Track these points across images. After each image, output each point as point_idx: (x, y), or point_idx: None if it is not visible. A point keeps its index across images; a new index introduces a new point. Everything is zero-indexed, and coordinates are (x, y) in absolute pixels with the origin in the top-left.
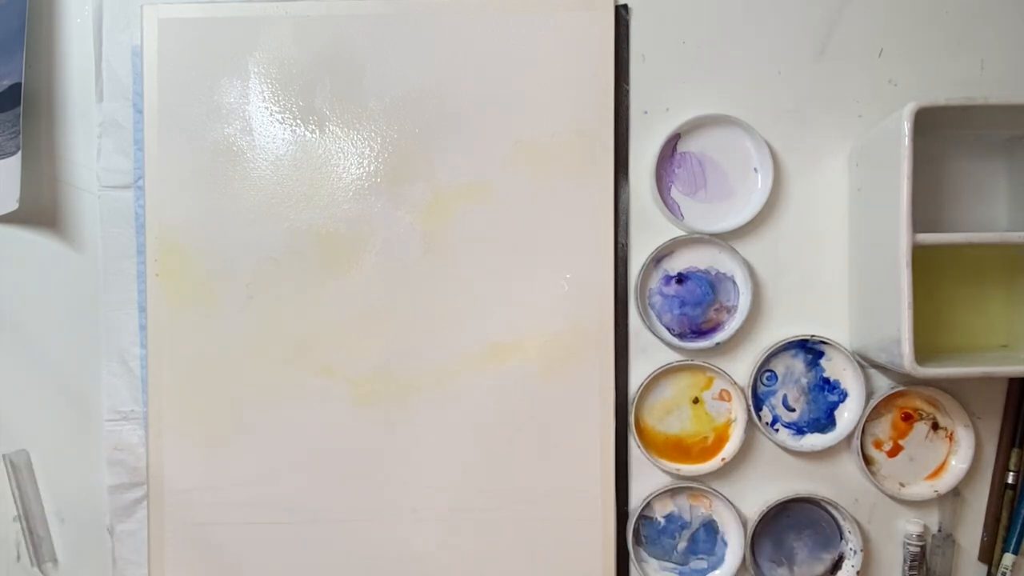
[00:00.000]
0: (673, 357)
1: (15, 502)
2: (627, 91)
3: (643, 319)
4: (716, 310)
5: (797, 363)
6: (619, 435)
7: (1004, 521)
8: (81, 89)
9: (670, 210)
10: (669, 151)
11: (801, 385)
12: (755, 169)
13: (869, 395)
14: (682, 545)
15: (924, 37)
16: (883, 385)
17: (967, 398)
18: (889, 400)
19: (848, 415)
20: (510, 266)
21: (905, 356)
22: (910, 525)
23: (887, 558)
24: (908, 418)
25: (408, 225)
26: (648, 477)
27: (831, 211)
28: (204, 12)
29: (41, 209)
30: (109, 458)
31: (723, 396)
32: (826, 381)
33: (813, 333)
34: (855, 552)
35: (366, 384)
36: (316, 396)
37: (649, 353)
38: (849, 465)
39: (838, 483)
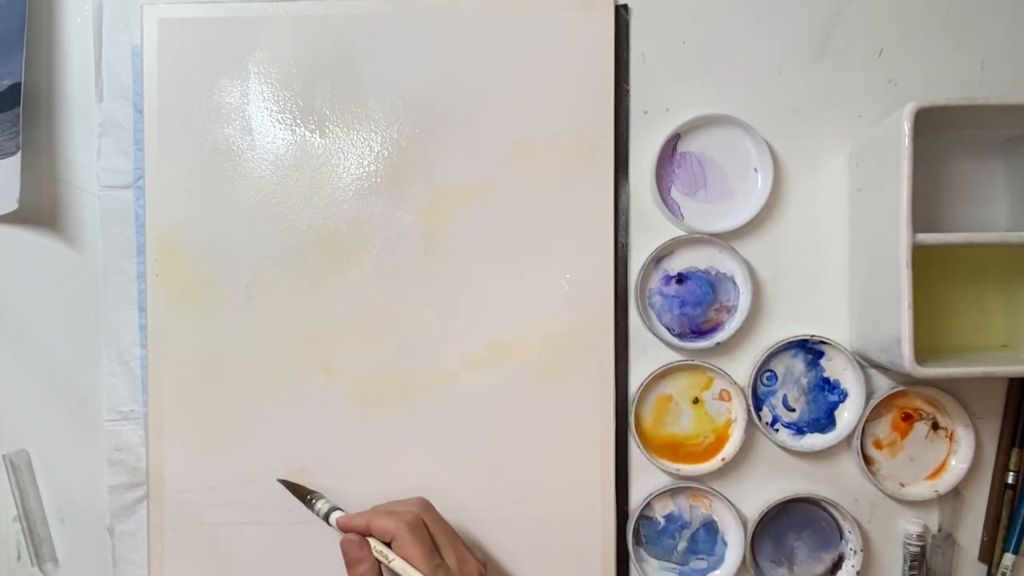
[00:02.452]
0: (673, 357)
1: (15, 502)
2: (627, 91)
3: (643, 319)
4: (716, 310)
5: (797, 363)
6: (619, 435)
7: (1004, 521)
8: (81, 89)
9: (670, 210)
10: (669, 151)
11: (801, 385)
12: (755, 169)
13: (869, 395)
14: (682, 545)
15: (924, 37)
16: (883, 385)
17: (967, 398)
18: (889, 400)
19: (848, 415)
20: (510, 266)
21: (905, 356)
22: (910, 525)
23: (887, 558)
24: (908, 418)
25: (408, 225)
26: (648, 477)
27: (831, 211)
28: (204, 12)
29: (41, 209)
30: (109, 458)
31: (723, 396)
32: (826, 381)
33: (813, 333)
34: (855, 552)
35: (366, 384)
36: (316, 396)
37: (649, 353)
38: (849, 465)
39: (838, 483)
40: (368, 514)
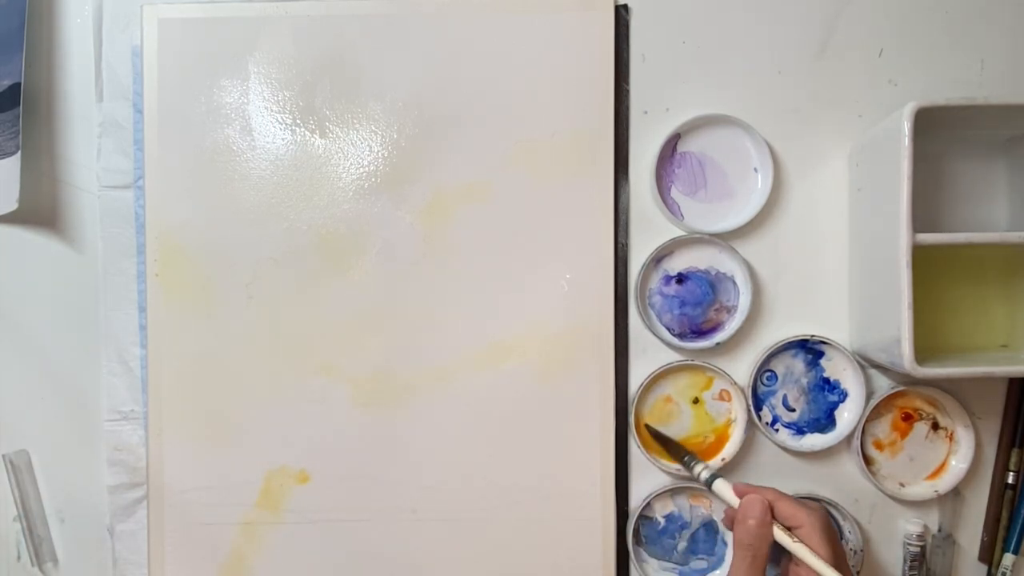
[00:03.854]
0: (673, 357)
1: (15, 502)
2: (627, 91)
3: (643, 319)
4: (716, 310)
5: (797, 363)
6: (619, 435)
7: (1004, 521)
8: (81, 89)
9: (670, 210)
10: (669, 151)
11: (801, 385)
12: (755, 169)
13: (869, 395)
14: (682, 545)
15: (924, 37)
16: (883, 385)
17: (967, 398)
18: (889, 400)
19: (848, 415)
20: (510, 266)
21: (905, 356)
22: (910, 525)
23: (887, 558)
24: (908, 418)
25: (408, 225)
26: (648, 477)
27: (831, 211)
28: (204, 12)
29: (41, 209)
30: (109, 458)
31: (723, 396)
32: (826, 381)
33: (813, 333)
34: (855, 552)
35: (366, 384)
36: (316, 396)
37: (649, 353)
38: (849, 465)
39: (838, 483)
40: (774, 492)
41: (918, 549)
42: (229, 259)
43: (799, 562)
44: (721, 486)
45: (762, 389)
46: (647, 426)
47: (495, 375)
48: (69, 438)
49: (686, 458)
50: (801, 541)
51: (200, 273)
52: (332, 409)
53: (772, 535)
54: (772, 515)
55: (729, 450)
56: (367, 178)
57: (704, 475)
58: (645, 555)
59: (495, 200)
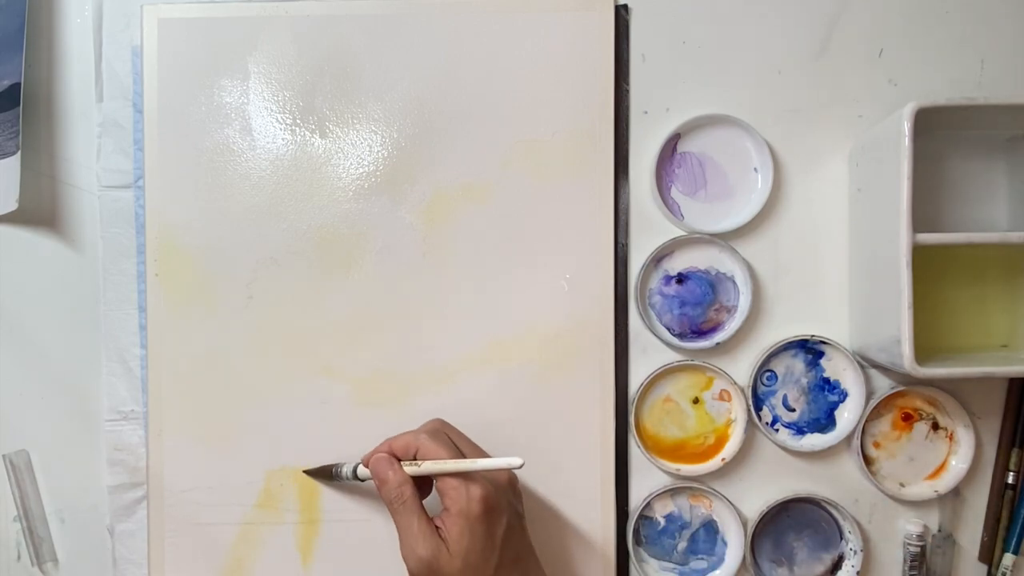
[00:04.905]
0: (673, 357)
1: (15, 502)
2: (627, 91)
3: (643, 319)
4: (716, 310)
5: (797, 363)
6: (619, 435)
7: (1004, 521)
8: (81, 89)
9: (670, 210)
10: (669, 151)
11: (801, 385)
12: (755, 169)
13: (869, 395)
14: (682, 545)
15: (924, 37)
16: (883, 385)
17: (967, 398)
18: (889, 400)
19: (848, 415)
20: (510, 266)
21: (905, 356)
22: (910, 525)
23: (887, 558)
24: (908, 418)
25: (408, 225)
26: (648, 477)
27: (831, 211)
28: (204, 12)
29: (41, 209)
30: (109, 458)
31: (723, 396)
32: (826, 381)
33: (813, 333)
34: (855, 552)
35: (366, 384)
36: (316, 396)
37: (649, 353)
38: (849, 465)
39: (838, 483)
40: (385, 442)
41: (918, 549)
42: (229, 259)
43: (438, 477)
44: (361, 469)
45: (762, 389)
46: (305, 472)
47: (495, 375)
48: (69, 438)
49: (334, 470)
50: (424, 459)
51: (200, 273)
52: (332, 409)
53: (407, 476)
54: (398, 461)
55: (729, 450)
56: (367, 178)
57: (347, 471)
58: (645, 555)
59: (495, 200)
